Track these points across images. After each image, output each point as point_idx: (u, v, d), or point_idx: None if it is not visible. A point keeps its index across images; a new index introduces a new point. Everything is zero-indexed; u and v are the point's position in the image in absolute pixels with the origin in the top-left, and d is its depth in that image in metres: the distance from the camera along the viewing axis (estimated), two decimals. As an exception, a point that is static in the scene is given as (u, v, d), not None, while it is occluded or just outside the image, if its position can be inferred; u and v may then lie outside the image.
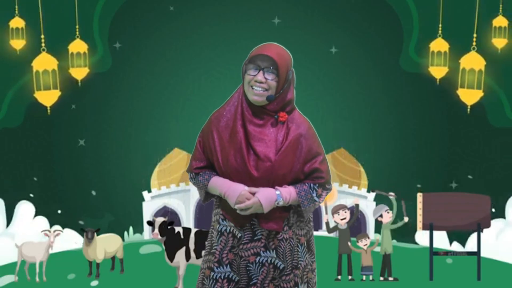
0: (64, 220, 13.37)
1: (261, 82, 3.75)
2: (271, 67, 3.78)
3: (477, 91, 13.81)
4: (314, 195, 3.85)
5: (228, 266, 3.83)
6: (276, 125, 3.79)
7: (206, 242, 4.02)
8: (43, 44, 13.80)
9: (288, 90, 3.85)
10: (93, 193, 14.03)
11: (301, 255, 3.88)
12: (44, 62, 13.84)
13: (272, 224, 3.79)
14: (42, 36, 13.76)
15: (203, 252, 8.54)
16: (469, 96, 13.84)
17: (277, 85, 3.78)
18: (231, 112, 3.81)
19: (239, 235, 3.82)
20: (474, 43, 13.82)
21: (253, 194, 3.70)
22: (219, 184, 3.80)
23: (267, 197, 3.72)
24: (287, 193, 3.77)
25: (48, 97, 13.83)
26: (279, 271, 3.81)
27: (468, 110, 13.90)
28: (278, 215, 3.80)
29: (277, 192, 3.74)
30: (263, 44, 3.89)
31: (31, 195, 13.64)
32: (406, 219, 9.98)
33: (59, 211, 13.64)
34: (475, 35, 13.77)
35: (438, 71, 14.03)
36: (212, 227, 3.94)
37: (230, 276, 3.82)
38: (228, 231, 3.84)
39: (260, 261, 3.81)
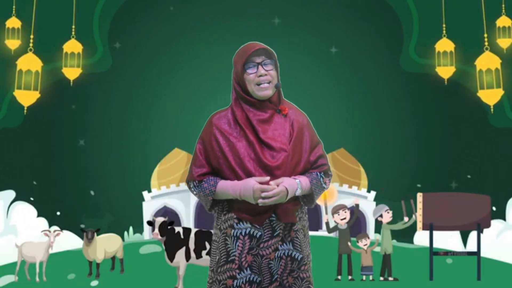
0: (64, 222, 13.35)
1: (265, 76, 3.83)
2: (267, 59, 3.87)
3: (497, 90, 13.82)
4: (322, 182, 3.95)
5: (248, 269, 3.84)
6: (280, 119, 3.89)
7: (213, 254, 3.93)
8: (31, 44, 13.81)
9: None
10: (92, 193, 14.04)
11: (307, 245, 3.97)
12: (29, 62, 13.85)
13: (290, 217, 3.86)
14: (31, 36, 13.76)
15: (204, 256, 8.59)
16: (490, 96, 13.85)
17: (276, 73, 3.90)
18: (232, 114, 3.85)
19: (259, 233, 3.83)
20: (486, 43, 13.83)
21: (266, 183, 3.78)
22: (230, 187, 3.81)
23: (291, 185, 3.80)
24: (304, 182, 3.85)
25: (26, 97, 13.82)
26: (297, 262, 3.87)
27: (492, 110, 13.89)
28: (293, 207, 3.87)
29: (297, 181, 3.83)
30: (243, 47, 3.95)
31: (32, 198, 13.63)
32: (406, 219, 9.99)
33: (58, 213, 13.61)
34: (485, 35, 13.78)
35: (445, 71, 14.03)
36: (224, 234, 3.87)
37: (252, 279, 3.83)
38: (244, 233, 3.84)
39: (279, 255, 3.86)
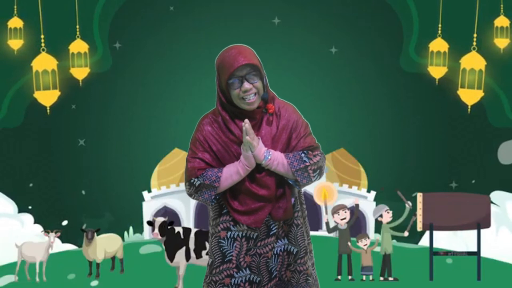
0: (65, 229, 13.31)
1: (250, 90, 3.75)
2: (251, 72, 3.78)
3: (478, 91, 13.83)
4: (303, 155, 3.85)
5: (248, 269, 3.85)
6: (268, 119, 3.86)
7: (209, 257, 3.93)
8: (42, 44, 13.82)
9: (267, 81, 3.91)
10: (83, 192, 14.04)
11: (303, 237, 3.95)
12: (44, 62, 13.85)
13: (284, 215, 3.83)
14: (42, 36, 13.77)
15: (204, 256, 8.57)
16: (470, 96, 13.86)
17: (262, 84, 3.82)
18: (221, 118, 3.82)
19: (255, 234, 3.83)
20: (474, 43, 13.83)
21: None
22: (231, 165, 3.77)
23: (261, 146, 3.77)
24: (277, 153, 3.80)
25: (47, 97, 13.84)
26: (293, 255, 3.86)
27: (469, 110, 13.91)
28: (286, 204, 3.85)
29: (268, 150, 3.79)
30: (225, 54, 3.82)
31: (30, 207, 13.60)
32: (406, 233, 10.00)
33: (64, 222, 13.52)
34: (475, 35, 13.78)
35: (437, 71, 14.04)
36: (217, 238, 3.87)
37: (251, 279, 3.84)
38: (241, 235, 3.84)
39: (276, 252, 3.87)
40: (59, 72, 13.93)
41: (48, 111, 13.84)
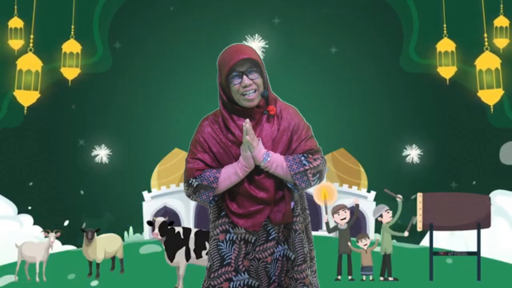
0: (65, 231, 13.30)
1: (250, 85, 3.73)
2: (251, 67, 3.76)
3: (497, 90, 13.84)
4: (302, 158, 3.79)
5: (246, 273, 3.81)
6: (268, 120, 3.82)
7: (208, 260, 3.88)
8: (31, 44, 13.82)
9: (268, 80, 3.89)
10: (81, 192, 14.04)
11: (303, 244, 3.89)
12: (29, 62, 13.86)
13: (283, 219, 3.79)
14: (32, 36, 13.77)
15: (204, 256, 8.57)
16: (490, 96, 13.86)
17: (262, 80, 3.79)
18: (221, 118, 3.80)
19: (253, 238, 3.81)
20: (486, 43, 13.84)
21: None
22: (230, 166, 3.73)
23: (261, 148, 3.73)
24: (276, 155, 3.75)
25: (26, 97, 13.84)
26: (291, 261, 3.82)
27: (492, 110, 13.91)
28: (285, 208, 3.81)
29: (268, 152, 3.75)
30: (226, 51, 3.82)
31: (30, 207, 13.60)
32: (406, 233, 10.00)
33: (66, 222, 13.52)
34: (485, 35, 13.80)
35: (446, 71, 14.04)
36: (216, 240, 3.83)
37: (250, 283, 3.80)
38: (240, 238, 3.80)
39: (275, 257, 3.83)
40: (42, 74, 13.92)
41: (25, 111, 13.84)
